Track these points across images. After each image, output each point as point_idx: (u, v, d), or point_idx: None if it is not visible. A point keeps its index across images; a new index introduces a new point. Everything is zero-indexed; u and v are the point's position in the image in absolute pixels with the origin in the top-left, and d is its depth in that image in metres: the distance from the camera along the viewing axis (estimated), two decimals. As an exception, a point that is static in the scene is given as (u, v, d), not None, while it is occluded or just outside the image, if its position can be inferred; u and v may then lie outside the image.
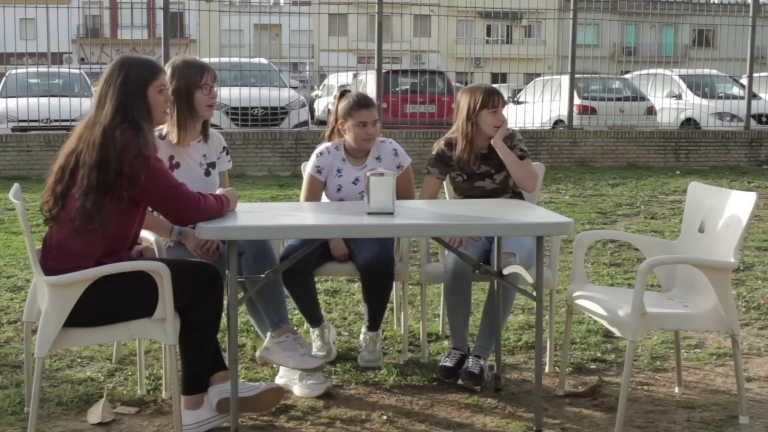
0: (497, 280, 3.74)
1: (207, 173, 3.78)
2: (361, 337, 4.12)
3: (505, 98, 4.26)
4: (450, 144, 4.15)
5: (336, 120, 4.17)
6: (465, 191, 4.15)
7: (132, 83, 3.09)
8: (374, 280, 3.96)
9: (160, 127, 3.65)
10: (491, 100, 4.04)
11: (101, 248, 3.05)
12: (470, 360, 3.79)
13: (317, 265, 4.04)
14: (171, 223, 3.52)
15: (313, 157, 4.21)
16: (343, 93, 4.16)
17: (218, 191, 3.38)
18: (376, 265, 3.91)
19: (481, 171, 4.11)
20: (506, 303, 3.85)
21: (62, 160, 3.06)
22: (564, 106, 14.28)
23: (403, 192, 4.14)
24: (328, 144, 4.23)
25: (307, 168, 4.22)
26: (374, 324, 4.07)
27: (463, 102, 4.09)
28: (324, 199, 4.23)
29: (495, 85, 4.37)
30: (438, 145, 4.18)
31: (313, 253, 3.90)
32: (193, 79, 3.61)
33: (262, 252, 3.62)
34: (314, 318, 4.13)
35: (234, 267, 3.14)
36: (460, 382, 3.74)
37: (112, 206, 3.00)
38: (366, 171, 3.38)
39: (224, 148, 3.92)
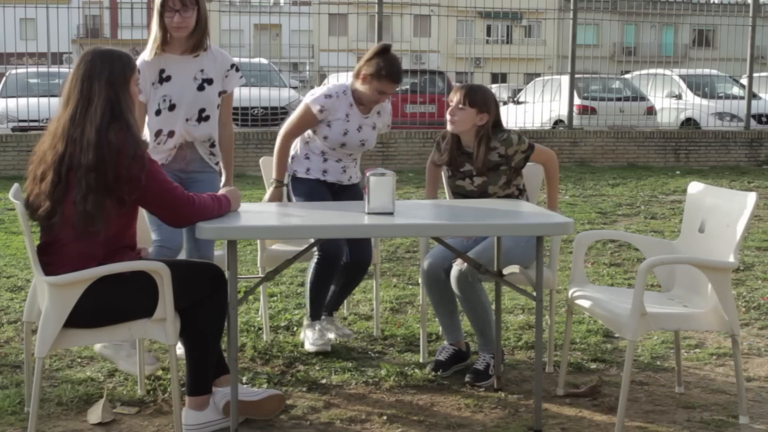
0: (496, 280, 3.76)
1: (201, 87, 3.89)
2: (325, 322, 4.25)
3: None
4: (444, 136, 4.15)
5: (362, 67, 4.12)
6: (451, 188, 4.16)
7: (117, 78, 3.04)
8: (358, 275, 4.27)
9: (148, 49, 3.84)
10: (450, 95, 4.05)
11: (102, 250, 3.03)
12: (479, 356, 3.90)
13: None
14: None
15: (321, 95, 4.14)
16: (385, 49, 4.10)
17: (220, 191, 3.37)
18: (363, 262, 4.22)
19: (464, 170, 4.06)
20: (469, 302, 3.85)
21: (53, 163, 2.98)
22: (564, 106, 14.28)
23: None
24: (337, 88, 4.18)
25: (309, 100, 4.15)
26: (332, 308, 4.33)
27: None
28: (316, 140, 4.21)
29: (494, 85, 4.36)
30: (438, 135, 4.21)
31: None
32: (161, 2, 3.80)
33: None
34: (318, 311, 4.24)
35: (234, 267, 3.13)
36: (466, 379, 3.82)
37: (112, 209, 2.98)
38: (366, 171, 3.39)
39: (232, 65, 4.02)
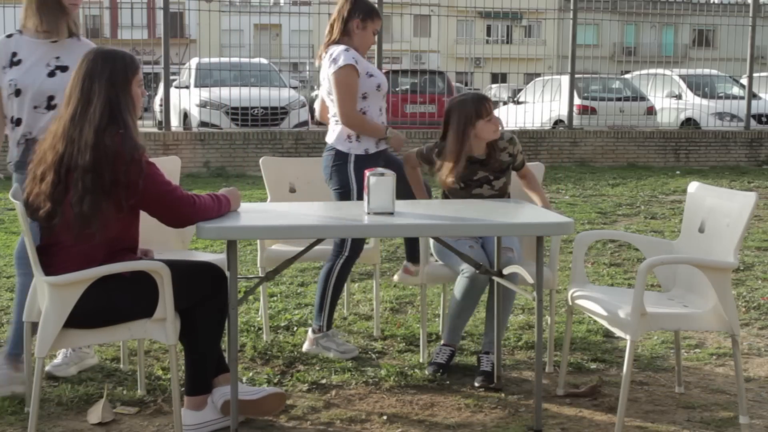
0: (497, 280, 3.76)
1: (51, 74, 3.72)
2: (331, 332, 4.21)
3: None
4: (430, 159, 4.14)
5: (348, 17, 4.19)
6: (463, 198, 4.13)
7: (119, 78, 3.03)
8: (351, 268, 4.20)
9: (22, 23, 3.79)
10: (484, 108, 3.96)
11: (102, 252, 3.02)
12: (483, 357, 3.88)
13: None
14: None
15: (341, 52, 4.11)
16: None
17: (220, 191, 3.36)
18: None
19: (478, 177, 4.06)
20: (507, 301, 3.87)
21: (52, 163, 2.97)
22: (564, 106, 14.28)
23: None
24: (346, 51, 4.13)
25: (343, 63, 4.08)
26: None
27: (454, 117, 3.98)
28: (368, 107, 4.19)
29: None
30: (431, 149, 4.16)
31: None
32: None
33: None
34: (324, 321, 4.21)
35: (234, 267, 3.13)
36: (476, 383, 3.79)
37: (109, 212, 2.96)
38: (366, 171, 3.39)
39: None
